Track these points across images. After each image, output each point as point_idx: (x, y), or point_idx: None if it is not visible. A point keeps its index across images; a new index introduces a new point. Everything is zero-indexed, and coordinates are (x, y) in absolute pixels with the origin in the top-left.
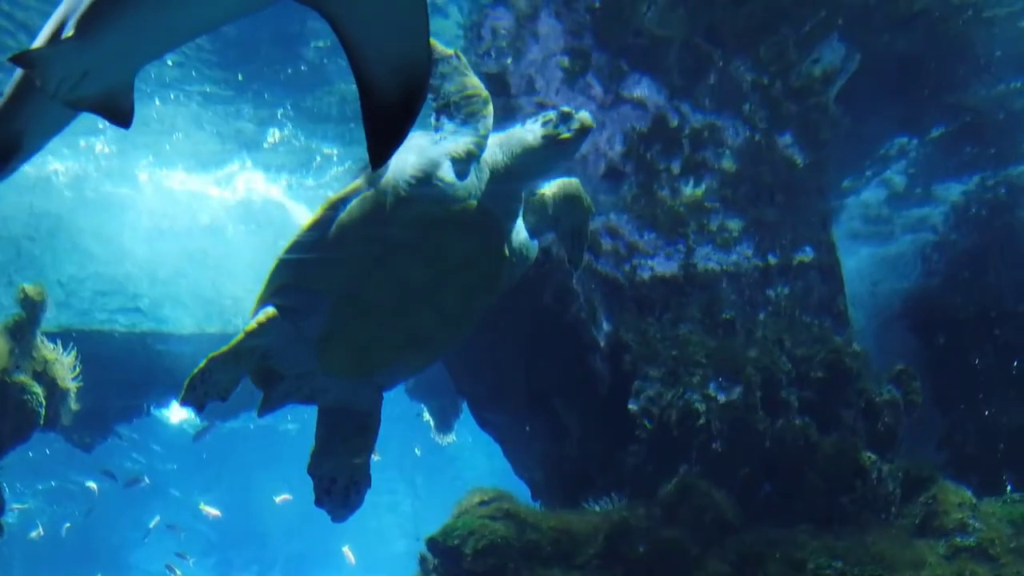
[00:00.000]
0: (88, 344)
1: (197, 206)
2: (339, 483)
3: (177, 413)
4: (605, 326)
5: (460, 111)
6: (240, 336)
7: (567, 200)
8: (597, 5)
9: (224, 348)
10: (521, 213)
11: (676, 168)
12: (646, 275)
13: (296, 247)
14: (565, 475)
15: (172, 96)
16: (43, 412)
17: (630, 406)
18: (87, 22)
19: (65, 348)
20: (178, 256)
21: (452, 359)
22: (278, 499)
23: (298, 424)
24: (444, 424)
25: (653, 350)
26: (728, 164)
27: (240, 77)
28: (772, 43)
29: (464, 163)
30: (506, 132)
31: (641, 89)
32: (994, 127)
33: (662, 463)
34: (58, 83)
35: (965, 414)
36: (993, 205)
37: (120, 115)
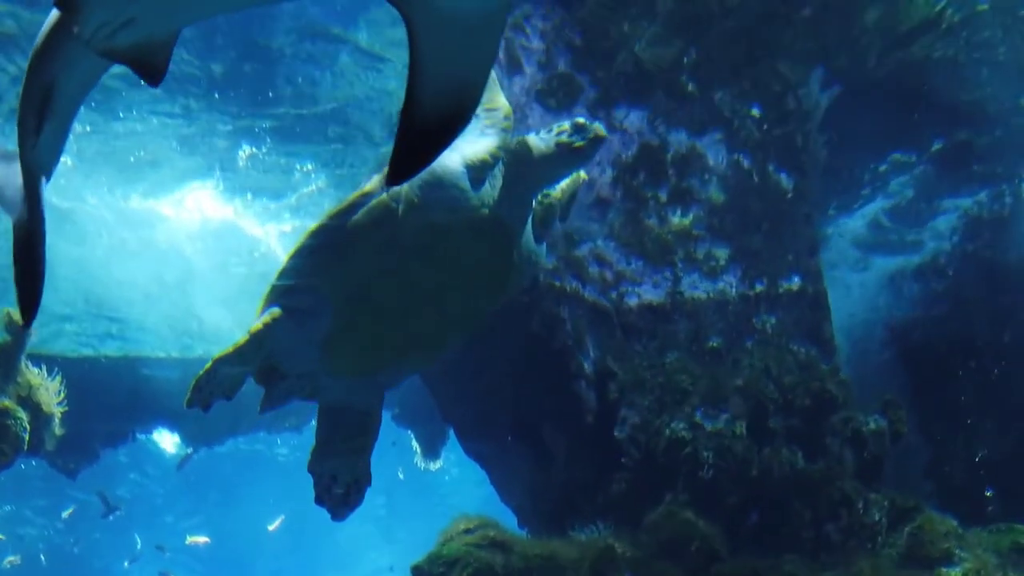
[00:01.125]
0: (70, 369)
1: (159, 226)
2: (339, 481)
3: (165, 439)
4: (592, 353)
5: (479, 121)
6: (246, 337)
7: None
8: (583, 37)
9: (230, 348)
10: (531, 219)
11: (663, 196)
12: (633, 303)
13: (305, 249)
14: (551, 502)
15: (135, 113)
16: (27, 437)
17: (616, 434)
18: None
19: (49, 373)
20: (148, 278)
21: (439, 385)
22: (272, 526)
23: (287, 448)
24: (431, 450)
25: (639, 378)
26: (715, 192)
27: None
28: (757, 72)
29: (479, 171)
30: (517, 140)
31: (629, 118)
32: (987, 149)
33: (648, 491)
34: (96, 29)
35: (951, 444)
36: (977, 236)
37: (153, 71)
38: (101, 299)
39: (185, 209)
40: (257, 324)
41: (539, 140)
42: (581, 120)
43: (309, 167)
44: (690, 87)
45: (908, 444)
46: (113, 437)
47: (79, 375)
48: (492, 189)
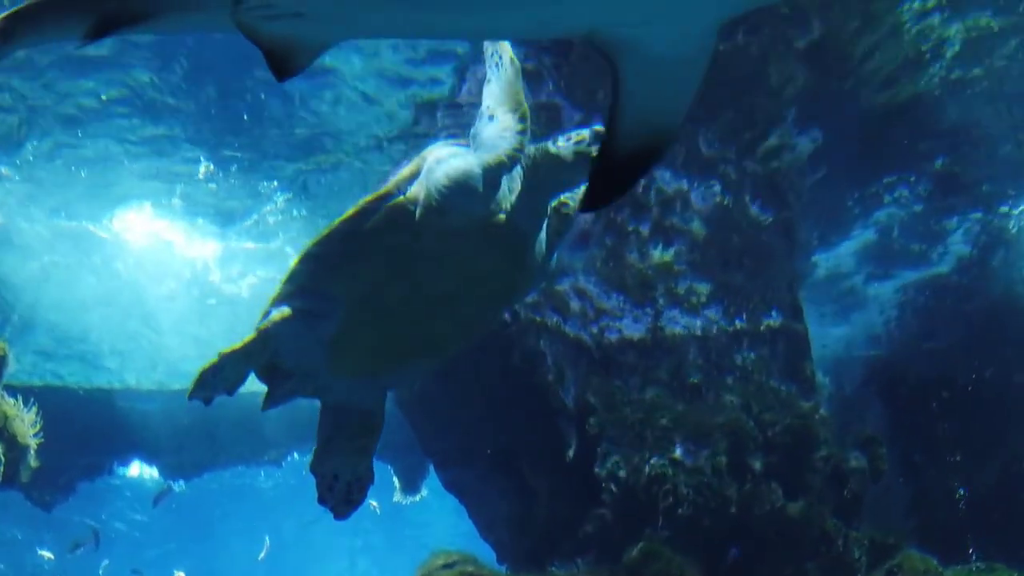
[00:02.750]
0: (46, 400)
1: (115, 252)
2: (341, 480)
3: (143, 471)
4: (572, 388)
5: (497, 124)
6: (253, 335)
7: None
8: (570, 66)
9: (236, 345)
10: (545, 227)
11: (645, 231)
12: (614, 338)
13: (318, 249)
14: (531, 538)
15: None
16: (1, 469)
17: (596, 470)
18: None
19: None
20: (105, 303)
21: (419, 418)
22: (261, 555)
23: (272, 481)
24: (410, 484)
25: (620, 413)
26: (697, 227)
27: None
28: (740, 111)
29: (497, 176)
30: (535, 147)
31: None
32: (969, 183)
33: (628, 527)
34: (257, 6)
35: (931, 482)
36: (958, 272)
37: (288, 69)
38: (60, 326)
39: (136, 232)
40: (265, 323)
41: (557, 147)
42: (600, 128)
43: (275, 185)
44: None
45: (889, 481)
46: (90, 469)
47: (54, 406)
48: (509, 194)
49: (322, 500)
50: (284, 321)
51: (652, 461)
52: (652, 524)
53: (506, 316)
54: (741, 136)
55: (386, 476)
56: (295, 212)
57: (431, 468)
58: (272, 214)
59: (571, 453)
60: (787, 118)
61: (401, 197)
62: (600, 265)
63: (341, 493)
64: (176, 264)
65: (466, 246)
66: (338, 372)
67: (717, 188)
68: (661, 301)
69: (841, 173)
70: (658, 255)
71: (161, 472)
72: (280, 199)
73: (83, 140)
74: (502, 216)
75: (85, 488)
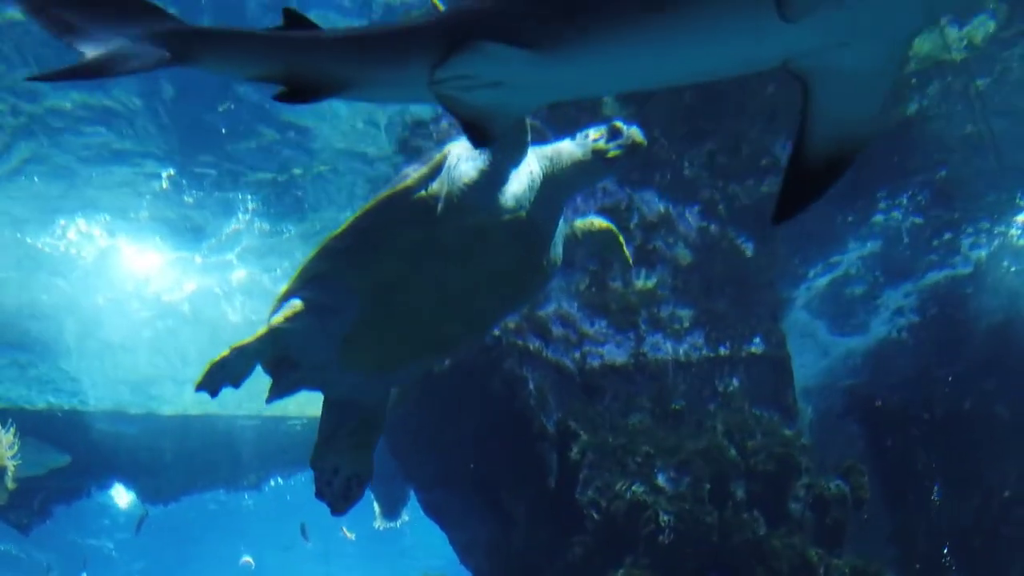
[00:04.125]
0: (23, 421)
1: (66, 267)
2: (341, 475)
3: (122, 497)
4: (554, 414)
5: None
6: (264, 329)
7: (601, 243)
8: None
9: (248, 339)
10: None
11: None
12: (596, 363)
13: (337, 241)
14: (511, 564)
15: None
16: None
17: (577, 496)
18: (556, 36)
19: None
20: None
21: (400, 444)
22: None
23: (254, 499)
24: (391, 511)
25: (601, 439)
26: (681, 254)
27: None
28: (725, 136)
29: (520, 174)
30: (554, 145)
31: None
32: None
33: (609, 554)
34: (457, 78)
35: (914, 511)
36: (938, 305)
37: (487, 137)
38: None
39: (92, 246)
40: (278, 317)
41: (575, 145)
42: (618, 124)
43: (243, 198)
44: (658, 149)
45: (871, 510)
46: (67, 493)
47: (31, 429)
48: (530, 192)
49: (320, 495)
50: (296, 315)
51: (633, 487)
52: (633, 551)
53: (488, 339)
54: (727, 162)
55: (366, 501)
56: (258, 226)
57: (411, 494)
58: (237, 233)
59: (552, 479)
60: (774, 144)
61: (423, 192)
62: (583, 290)
63: (340, 488)
64: (130, 278)
65: (485, 242)
66: (349, 367)
67: (701, 214)
68: (644, 327)
69: (829, 197)
70: (641, 281)
71: (139, 496)
72: (243, 216)
73: (47, 149)
74: (522, 213)
75: (62, 511)
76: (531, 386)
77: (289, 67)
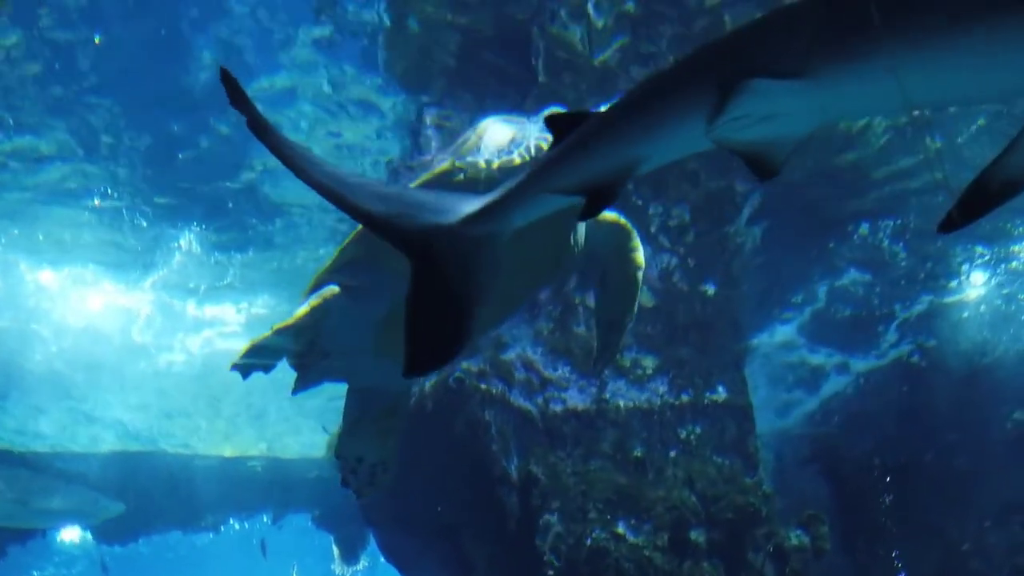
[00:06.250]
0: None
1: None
2: (366, 462)
3: (70, 534)
4: (516, 459)
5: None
6: (305, 310)
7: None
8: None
9: (289, 320)
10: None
11: (592, 302)
12: (558, 408)
13: (367, 234)
14: None
15: None
16: None
17: (537, 541)
18: (824, 59)
19: None
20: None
21: None
22: None
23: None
24: (350, 554)
25: (563, 485)
26: (644, 299)
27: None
28: (689, 182)
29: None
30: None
31: None
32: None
33: None
34: (732, 120)
35: (873, 562)
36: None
37: (770, 170)
38: None
39: (48, 284)
40: (316, 299)
41: None
42: None
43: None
44: (622, 194)
45: (831, 561)
46: (21, 532)
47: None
48: None
49: (345, 483)
50: (335, 297)
51: (594, 534)
52: None
53: (450, 383)
54: (692, 209)
55: (324, 545)
56: (215, 259)
57: (371, 537)
58: (195, 264)
59: (513, 524)
60: (740, 194)
61: (460, 176)
62: (547, 335)
63: (365, 475)
64: (69, 312)
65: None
66: (384, 352)
67: (666, 260)
68: (606, 373)
69: (791, 242)
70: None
71: (95, 536)
72: (194, 248)
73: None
74: None
75: (16, 551)
76: (493, 430)
77: (581, 179)
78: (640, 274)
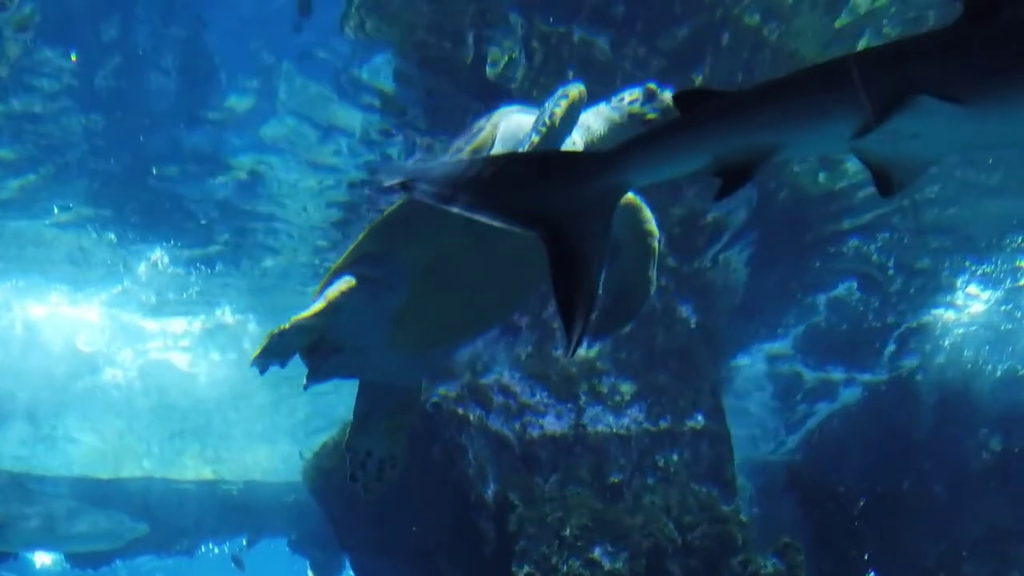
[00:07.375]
0: None
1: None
2: (375, 457)
3: (42, 558)
4: (492, 484)
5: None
6: (322, 303)
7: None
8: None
9: (307, 313)
10: None
11: None
12: (536, 433)
13: (391, 218)
14: None
15: None
16: None
17: (514, 568)
18: (988, 92)
19: None
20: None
21: (336, 510)
22: None
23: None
24: None
25: (539, 511)
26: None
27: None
28: (664, 201)
29: (571, 145)
30: (594, 110)
31: None
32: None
33: None
34: (883, 134)
35: None
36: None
37: (893, 186)
38: None
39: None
40: (333, 291)
41: (611, 109)
42: (652, 86)
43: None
44: None
45: None
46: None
47: None
48: None
49: (353, 478)
50: (351, 289)
51: (570, 561)
52: None
53: (428, 407)
54: (672, 233)
55: (302, 570)
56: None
57: (347, 562)
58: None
59: (489, 549)
60: (719, 218)
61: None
62: (524, 360)
63: (373, 470)
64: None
65: None
66: (399, 344)
67: None
68: (584, 398)
69: (772, 268)
70: (582, 352)
71: (68, 561)
72: (166, 266)
73: None
74: None
75: None
76: (470, 455)
77: (715, 155)
78: (655, 243)
